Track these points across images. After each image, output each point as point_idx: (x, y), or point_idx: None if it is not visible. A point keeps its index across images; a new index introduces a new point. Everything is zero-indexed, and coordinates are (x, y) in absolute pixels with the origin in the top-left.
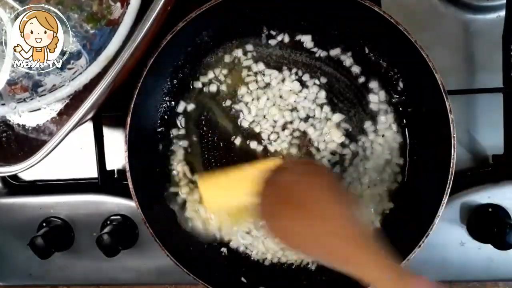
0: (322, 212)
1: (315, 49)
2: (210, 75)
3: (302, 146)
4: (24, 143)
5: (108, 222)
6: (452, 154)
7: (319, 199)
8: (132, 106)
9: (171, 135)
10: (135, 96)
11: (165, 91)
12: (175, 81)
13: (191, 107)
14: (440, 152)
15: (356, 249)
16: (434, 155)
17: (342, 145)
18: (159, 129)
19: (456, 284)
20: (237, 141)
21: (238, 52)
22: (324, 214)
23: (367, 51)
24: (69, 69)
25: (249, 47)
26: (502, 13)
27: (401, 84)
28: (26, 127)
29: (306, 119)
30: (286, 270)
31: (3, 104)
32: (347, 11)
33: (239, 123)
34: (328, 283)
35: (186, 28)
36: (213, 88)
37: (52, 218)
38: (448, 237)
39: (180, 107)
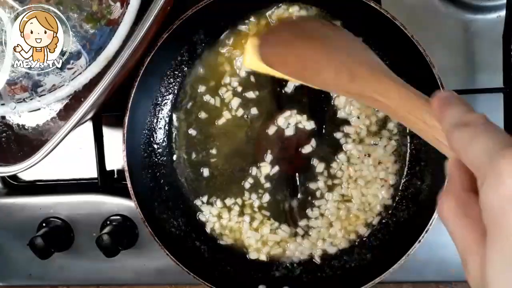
0: (331, 39)
1: None
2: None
3: None
4: (24, 143)
5: (108, 222)
6: None
7: (334, 33)
8: (129, 105)
9: (171, 133)
10: (132, 95)
11: (164, 89)
12: (172, 79)
13: (189, 105)
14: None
15: (368, 71)
16: (433, 150)
17: (341, 144)
18: (158, 128)
19: (456, 284)
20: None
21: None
22: (346, 47)
23: None
24: (69, 69)
25: None
26: (502, 13)
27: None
28: (26, 127)
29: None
30: (286, 268)
31: (2, 104)
32: (344, 7)
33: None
34: (328, 279)
35: (182, 27)
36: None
37: (52, 218)
38: (448, 237)
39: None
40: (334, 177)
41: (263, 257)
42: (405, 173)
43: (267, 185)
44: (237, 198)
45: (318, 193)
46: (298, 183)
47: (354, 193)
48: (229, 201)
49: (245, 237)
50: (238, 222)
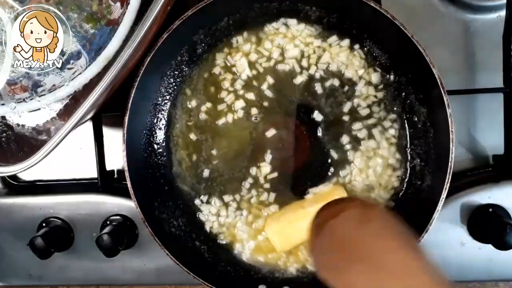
0: (393, 265)
1: None
2: (209, 72)
3: None
4: (24, 143)
5: (108, 222)
6: (451, 149)
7: (385, 250)
8: (129, 105)
9: (171, 133)
10: (132, 95)
11: (163, 89)
12: (172, 79)
13: (190, 105)
14: (439, 147)
15: None
16: (433, 151)
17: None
18: (158, 128)
19: (456, 284)
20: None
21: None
22: (396, 268)
23: (366, 47)
24: (69, 69)
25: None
26: (502, 13)
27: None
28: (26, 127)
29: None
30: (286, 268)
31: (2, 104)
32: (344, 7)
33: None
34: None
35: (182, 27)
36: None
37: (52, 218)
38: (448, 237)
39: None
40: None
41: (253, 257)
42: (405, 173)
43: (267, 185)
44: (235, 194)
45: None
46: (298, 184)
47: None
48: (227, 198)
49: (238, 232)
50: (235, 217)
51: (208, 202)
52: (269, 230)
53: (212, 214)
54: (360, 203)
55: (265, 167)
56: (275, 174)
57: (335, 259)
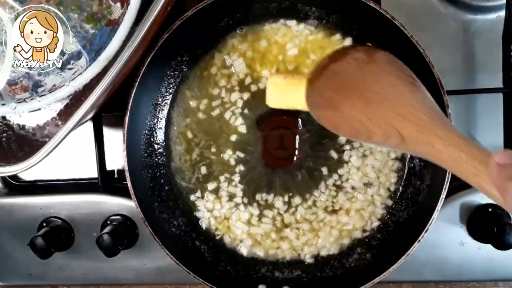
0: (389, 96)
1: None
2: (208, 72)
3: None
4: (24, 143)
5: (108, 222)
6: None
7: (385, 84)
8: (129, 105)
9: (171, 132)
10: (132, 95)
11: (164, 89)
12: (172, 79)
13: (190, 105)
14: None
15: (432, 132)
16: None
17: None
18: (158, 128)
19: (456, 284)
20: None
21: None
22: (392, 99)
23: None
24: (69, 69)
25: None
26: (502, 13)
27: None
28: (26, 127)
29: None
30: (284, 267)
31: (3, 104)
32: (344, 7)
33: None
34: (328, 280)
35: (182, 27)
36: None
37: (52, 218)
38: (448, 237)
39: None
40: (336, 174)
41: (250, 252)
42: (405, 173)
43: (265, 185)
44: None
45: (316, 193)
46: (298, 181)
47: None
48: (224, 193)
49: (233, 227)
50: (230, 209)
51: (203, 197)
52: (270, 80)
53: (208, 209)
54: (365, 47)
55: (265, 167)
56: (270, 171)
57: (331, 94)
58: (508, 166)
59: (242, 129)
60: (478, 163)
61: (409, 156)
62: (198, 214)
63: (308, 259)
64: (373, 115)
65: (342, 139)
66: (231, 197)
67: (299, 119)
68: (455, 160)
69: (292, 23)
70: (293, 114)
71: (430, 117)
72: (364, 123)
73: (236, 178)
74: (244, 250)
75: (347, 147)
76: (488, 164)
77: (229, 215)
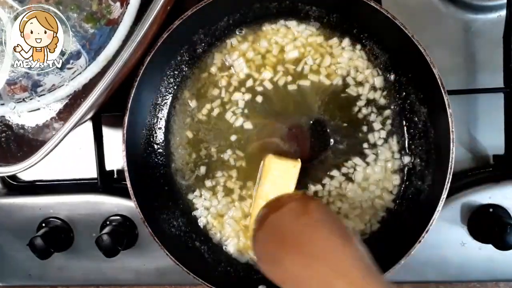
0: (323, 252)
1: None
2: (208, 72)
3: None
4: (24, 143)
5: (108, 223)
6: (451, 149)
7: (318, 238)
8: (129, 105)
9: (171, 132)
10: (132, 95)
11: (163, 88)
12: (172, 79)
13: (189, 105)
14: (439, 147)
15: None
16: (434, 151)
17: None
18: (158, 128)
19: (456, 285)
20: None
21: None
22: (326, 254)
23: (367, 47)
24: (69, 69)
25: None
26: (503, 13)
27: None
28: (26, 127)
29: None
30: None
31: (2, 104)
32: (344, 7)
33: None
34: None
35: (182, 27)
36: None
37: (51, 219)
38: (449, 237)
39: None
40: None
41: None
42: (405, 173)
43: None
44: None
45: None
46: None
47: (355, 195)
48: (221, 194)
49: (225, 224)
50: (226, 204)
51: (201, 196)
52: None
53: (205, 207)
54: (300, 197)
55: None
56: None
57: (273, 250)
58: None
59: (243, 128)
60: None
61: (410, 157)
62: (196, 213)
63: None
64: (311, 270)
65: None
66: (228, 194)
67: (301, 124)
68: None
69: (293, 23)
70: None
71: (361, 272)
72: (304, 279)
73: (234, 175)
74: (231, 248)
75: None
76: None
77: (226, 211)
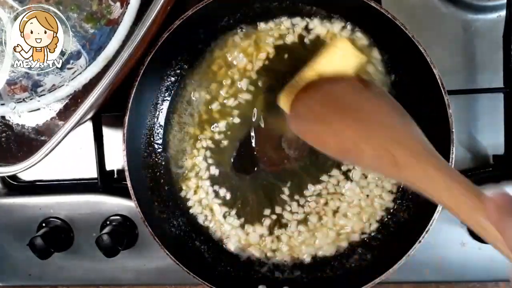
0: (384, 123)
1: None
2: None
3: None
4: (24, 143)
5: (108, 223)
6: (451, 149)
7: (377, 110)
8: (129, 105)
9: (171, 132)
10: (132, 95)
11: (164, 88)
12: (173, 79)
13: (190, 105)
14: (439, 147)
15: (417, 158)
16: None
17: None
18: (158, 128)
19: (456, 285)
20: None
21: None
22: (387, 126)
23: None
24: (69, 69)
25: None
26: (503, 13)
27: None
28: (26, 127)
29: None
30: (286, 268)
31: (2, 104)
32: (344, 7)
33: None
34: (328, 280)
35: (182, 26)
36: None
37: (51, 218)
38: (449, 237)
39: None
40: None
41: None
42: None
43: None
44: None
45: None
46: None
47: (354, 194)
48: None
49: (225, 223)
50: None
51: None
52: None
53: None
54: (361, 78)
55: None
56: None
57: (327, 113)
58: (507, 206)
59: (243, 128)
60: (477, 198)
61: None
62: (194, 210)
63: (306, 260)
64: (367, 135)
65: None
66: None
67: None
68: (453, 193)
69: (293, 22)
70: None
71: (424, 148)
72: (356, 142)
73: (233, 173)
74: (231, 246)
75: None
76: (485, 202)
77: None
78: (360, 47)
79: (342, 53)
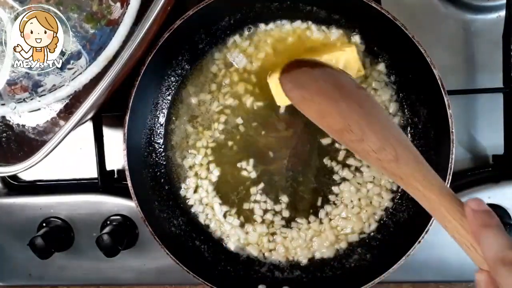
0: (381, 117)
1: None
2: (209, 71)
3: None
4: (24, 143)
5: (108, 222)
6: (451, 149)
7: (371, 106)
8: (130, 105)
9: (172, 132)
10: (133, 95)
11: (164, 88)
12: (173, 79)
13: (190, 105)
14: (439, 148)
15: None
16: (434, 151)
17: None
18: (159, 128)
19: (456, 285)
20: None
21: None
22: (384, 119)
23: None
24: (69, 69)
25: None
26: (502, 13)
27: (398, 78)
28: (26, 127)
29: None
30: (286, 268)
31: (3, 104)
32: (344, 7)
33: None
34: (328, 280)
35: (183, 26)
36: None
37: (52, 218)
38: (448, 237)
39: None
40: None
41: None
42: None
43: (260, 186)
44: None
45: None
46: (299, 183)
47: (353, 195)
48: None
49: (225, 223)
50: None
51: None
52: (270, 81)
53: (205, 205)
54: (336, 71)
55: (265, 167)
56: (268, 172)
57: (330, 88)
58: (481, 212)
59: (243, 127)
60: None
61: None
62: (195, 209)
63: (304, 261)
64: (373, 126)
65: (339, 145)
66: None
67: (303, 122)
68: (445, 199)
69: (294, 23)
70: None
71: (420, 155)
72: (362, 127)
73: (234, 172)
74: (231, 245)
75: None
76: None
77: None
78: (363, 62)
79: (346, 59)
